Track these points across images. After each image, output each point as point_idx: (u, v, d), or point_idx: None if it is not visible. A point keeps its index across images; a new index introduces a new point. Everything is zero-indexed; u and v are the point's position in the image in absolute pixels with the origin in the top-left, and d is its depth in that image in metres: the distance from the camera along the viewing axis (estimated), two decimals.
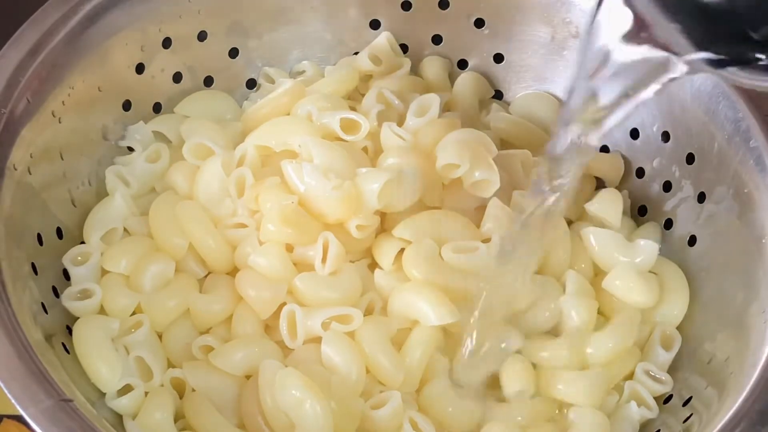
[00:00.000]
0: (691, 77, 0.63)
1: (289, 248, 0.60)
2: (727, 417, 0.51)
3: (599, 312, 0.62)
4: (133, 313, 0.59)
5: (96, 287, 0.59)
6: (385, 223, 0.63)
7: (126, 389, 0.56)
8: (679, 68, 0.39)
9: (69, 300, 0.59)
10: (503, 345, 0.58)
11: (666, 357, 0.61)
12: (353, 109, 0.67)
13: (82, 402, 0.51)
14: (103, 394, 0.56)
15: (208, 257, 0.61)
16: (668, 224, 0.66)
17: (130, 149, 0.66)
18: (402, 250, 0.61)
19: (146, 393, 0.57)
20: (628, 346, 0.60)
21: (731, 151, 0.61)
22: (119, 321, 0.58)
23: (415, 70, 0.73)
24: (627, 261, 0.62)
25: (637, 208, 0.69)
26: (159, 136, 0.67)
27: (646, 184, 0.68)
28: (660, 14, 0.38)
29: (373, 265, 0.62)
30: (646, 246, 0.63)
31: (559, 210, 0.51)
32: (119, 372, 0.56)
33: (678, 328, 0.62)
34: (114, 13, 0.63)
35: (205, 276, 0.62)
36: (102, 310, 0.59)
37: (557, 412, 0.59)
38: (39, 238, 0.59)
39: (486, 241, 0.61)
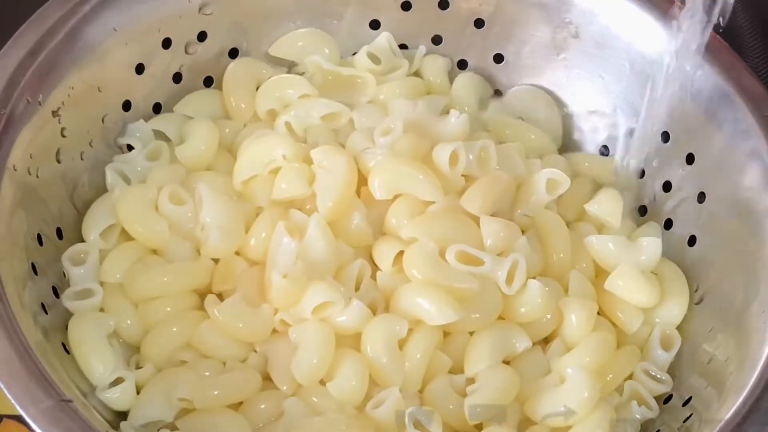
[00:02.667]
0: (691, 78, 0.63)
1: None
2: (727, 417, 0.51)
3: (600, 313, 0.62)
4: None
5: (97, 287, 0.59)
6: (384, 226, 0.63)
7: (118, 382, 0.57)
8: None
9: (69, 300, 0.59)
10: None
11: (666, 357, 0.61)
12: None
13: (82, 402, 0.51)
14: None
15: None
16: (668, 224, 0.66)
17: (130, 148, 0.66)
18: (401, 252, 0.61)
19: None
20: (605, 360, 0.59)
21: (731, 151, 0.61)
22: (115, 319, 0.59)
23: (414, 71, 0.73)
24: (631, 260, 0.62)
25: (637, 208, 0.69)
26: (159, 135, 0.67)
27: (646, 184, 0.68)
28: None
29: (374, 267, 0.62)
30: (650, 243, 0.63)
31: None
32: (111, 366, 0.57)
33: (678, 328, 0.62)
34: (114, 14, 0.63)
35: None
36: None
37: None
38: (39, 238, 0.59)
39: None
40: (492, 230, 0.61)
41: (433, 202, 0.62)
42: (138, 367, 0.58)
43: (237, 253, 0.62)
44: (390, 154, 0.62)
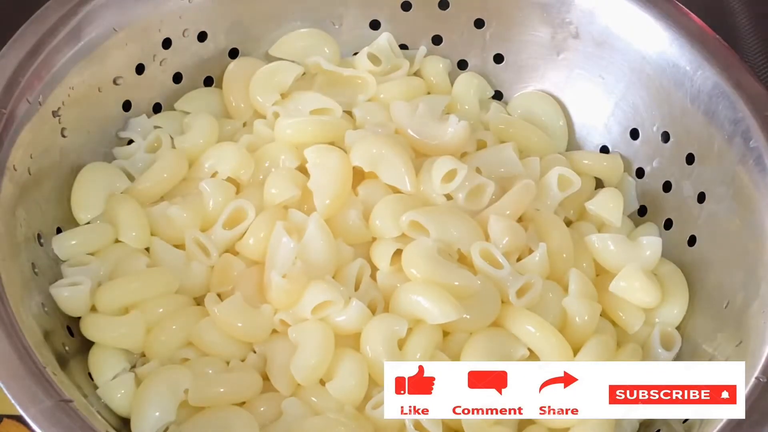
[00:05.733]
0: (690, 77, 0.63)
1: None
2: (727, 417, 0.51)
3: (603, 314, 0.62)
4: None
5: (85, 279, 0.58)
6: (370, 227, 0.63)
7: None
8: None
9: (56, 288, 0.58)
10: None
11: (666, 357, 0.61)
12: None
13: (81, 402, 0.51)
14: None
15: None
16: (668, 224, 0.66)
17: (131, 144, 0.66)
18: (398, 250, 0.61)
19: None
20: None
21: (731, 151, 0.61)
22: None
23: (415, 71, 0.73)
24: (633, 260, 0.62)
25: (637, 208, 0.69)
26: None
27: (646, 184, 0.68)
28: None
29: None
30: (650, 243, 0.63)
31: None
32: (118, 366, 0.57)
33: (678, 328, 0.62)
34: (114, 14, 0.63)
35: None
36: (94, 309, 0.59)
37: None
38: (39, 238, 0.59)
39: (508, 254, 0.61)
40: (500, 230, 0.61)
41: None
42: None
43: (235, 253, 0.62)
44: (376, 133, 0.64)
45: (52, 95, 0.60)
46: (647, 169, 0.68)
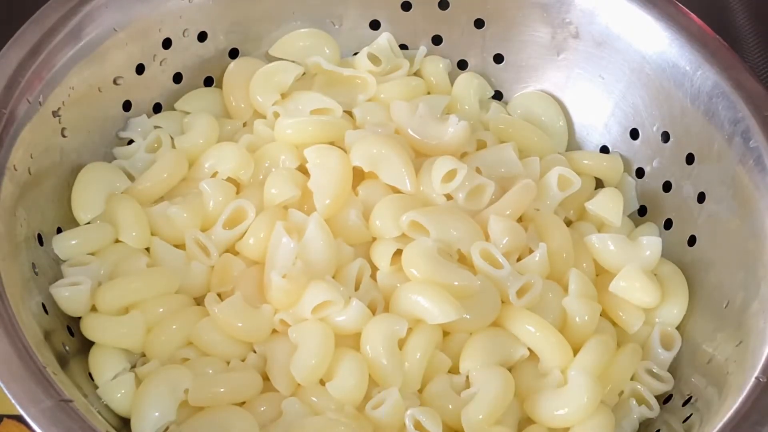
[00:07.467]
0: (690, 77, 0.63)
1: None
2: (727, 417, 0.51)
3: (603, 314, 0.62)
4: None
5: (86, 279, 0.58)
6: (370, 227, 0.62)
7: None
8: None
9: (56, 288, 0.58)
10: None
11: (666, 357, 0.61)
12: None
13: (81, 402, 0.51)
14: None
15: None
16: (668, 224, 0.66)
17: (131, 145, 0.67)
18: (398, 250, 0.61)
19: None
20: (606, 363, 0.59)
21: (731, 151, 0.61)
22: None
23: (415, 71, 0.73)
24: (633, 260, 0.62)
25: (637, 208, 0.69)
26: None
27: (646, 184, 0.68)
28: None
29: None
30: (650, 243, 0.63)
31: None
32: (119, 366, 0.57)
33: (678, 328, 0.62)
34: (114, 14, 0.63)
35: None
36: (94, 308, 0.59)
37: None
38: (39, 238, 0.59)
39: (508, 254, 0.61)
40: (500, 230, 0.61)
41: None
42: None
43: (235, 253, 0.62)
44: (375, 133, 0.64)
45: (52, 95, 0.60)
46: (647, 169, 0.68)
